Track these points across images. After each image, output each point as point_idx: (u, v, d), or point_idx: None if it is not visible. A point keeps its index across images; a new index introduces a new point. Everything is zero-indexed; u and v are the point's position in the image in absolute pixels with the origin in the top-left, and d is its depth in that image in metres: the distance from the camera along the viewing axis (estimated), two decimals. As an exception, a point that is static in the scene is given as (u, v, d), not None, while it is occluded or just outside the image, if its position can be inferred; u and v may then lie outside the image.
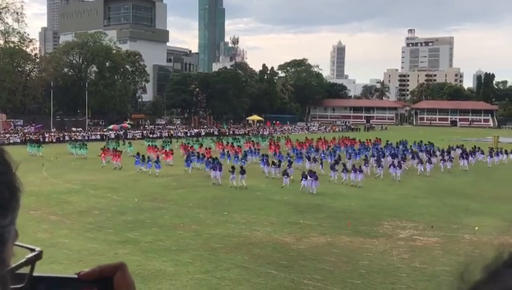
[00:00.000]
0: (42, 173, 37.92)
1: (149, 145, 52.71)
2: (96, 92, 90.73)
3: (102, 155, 43.14)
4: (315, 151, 49.67)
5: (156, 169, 37.25)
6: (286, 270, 16.09)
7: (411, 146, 54.52)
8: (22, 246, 0.91)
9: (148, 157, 40.70)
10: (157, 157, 41.36)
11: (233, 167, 33.33)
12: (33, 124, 79.96)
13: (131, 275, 0.84)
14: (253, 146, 53.67)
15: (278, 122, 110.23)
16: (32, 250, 0.92)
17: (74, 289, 0.82)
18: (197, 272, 15.85)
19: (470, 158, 45.15)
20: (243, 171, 32.12)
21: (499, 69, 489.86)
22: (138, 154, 41.10)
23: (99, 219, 22.85)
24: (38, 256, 0.92)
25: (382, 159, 40.66)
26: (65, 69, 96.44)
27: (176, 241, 19.25)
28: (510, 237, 19.17)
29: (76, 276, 0.83)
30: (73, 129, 78.41)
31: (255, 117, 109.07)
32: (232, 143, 55.41)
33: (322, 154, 45.50)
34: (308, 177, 30.51)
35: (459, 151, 47.98)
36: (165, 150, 46.92)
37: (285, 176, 32.22)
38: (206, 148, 48.25)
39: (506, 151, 48.98)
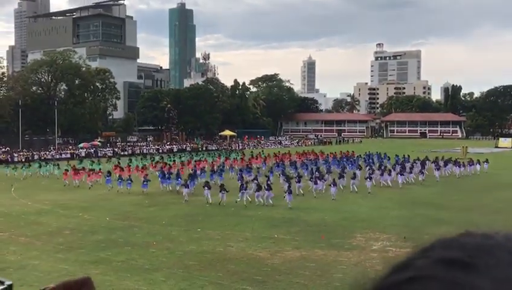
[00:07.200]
0: (11, 193, 37.16)
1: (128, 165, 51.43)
2: (65, 110, 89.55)
3: (73, 176, 42.35)
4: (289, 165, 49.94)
5: (128, 187, 36.97)
6: (261, 286, 16.04)
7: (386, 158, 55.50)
8: None
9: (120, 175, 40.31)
10: (129, 175, 40.71)
11: (207, 182, 33.46)
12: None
13: (96, 289, 0.82)
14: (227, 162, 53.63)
15: (261, 137, 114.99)
16: (2, 283, 0.90)
17: None
18: (171, 291, 15.67)
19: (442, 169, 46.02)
20: (208, 186, 32.56)
21: (465, 81, 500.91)
22: (109, 173, 40.81)
23: (70, 239, 22.45)
24: (8, 289, 0.90)
25: (358, 172, 41.16)
26: (34, 88, 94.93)
27: (149, 260, 19.03)
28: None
29: None
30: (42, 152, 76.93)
31: (228, 132, 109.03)
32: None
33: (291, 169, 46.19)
34: (264, 190, 31.36)
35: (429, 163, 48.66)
36: (128, 166, 46.26)
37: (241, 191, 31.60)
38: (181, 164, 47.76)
39: (478, 161, 49.59)
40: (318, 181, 35.91)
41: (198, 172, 43.08)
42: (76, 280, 0.81)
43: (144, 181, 37.11)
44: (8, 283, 0.91)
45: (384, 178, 39.83)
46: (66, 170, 44.42)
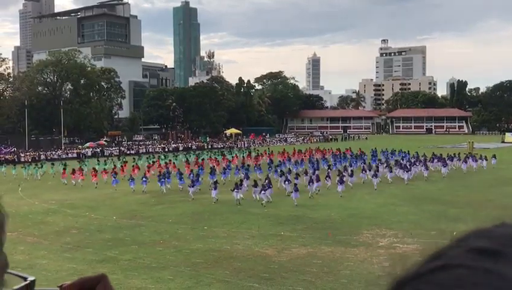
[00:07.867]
0: (18, 193, 37.32)
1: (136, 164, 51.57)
2: (71, 110, 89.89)
3: (73, 176, 42.28)
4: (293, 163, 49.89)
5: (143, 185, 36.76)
6: (268, 283, 16.05)
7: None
8: (14, 274, 0.89)
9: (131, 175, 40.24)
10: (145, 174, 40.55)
11: (216, 182, 33.42)
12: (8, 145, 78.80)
13: (112, 286, 0.85)
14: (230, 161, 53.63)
15: (266, 134, 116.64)
16: (25, 279, 0.91)
17: None
18: (178, 289, 15.72)
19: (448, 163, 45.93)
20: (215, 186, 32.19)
21: (471, 76, 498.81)
22: (115, 172, 40.96)
23: (77, 238, 22.54)
24: (31, 285, 0.91)
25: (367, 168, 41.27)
26: (39, 88, 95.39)
27: (156, 258, 19.07)
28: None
29: (58, 289, 0.85)
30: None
31: (233, 130, 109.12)
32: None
33: (294, 166, 46.42)
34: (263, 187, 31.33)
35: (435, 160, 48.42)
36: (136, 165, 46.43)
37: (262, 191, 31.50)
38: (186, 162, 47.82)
39: (482, 156, 49.38)
40: (325, 179, 36.04)
41: (204, 171, 43.20)
42: (92, 277, 0.84)
43: (161, 179, 36.78)
44: (31, 278, 0.91)
45: (393, 174, 39.90)
46: (64, 169, 44.72)
